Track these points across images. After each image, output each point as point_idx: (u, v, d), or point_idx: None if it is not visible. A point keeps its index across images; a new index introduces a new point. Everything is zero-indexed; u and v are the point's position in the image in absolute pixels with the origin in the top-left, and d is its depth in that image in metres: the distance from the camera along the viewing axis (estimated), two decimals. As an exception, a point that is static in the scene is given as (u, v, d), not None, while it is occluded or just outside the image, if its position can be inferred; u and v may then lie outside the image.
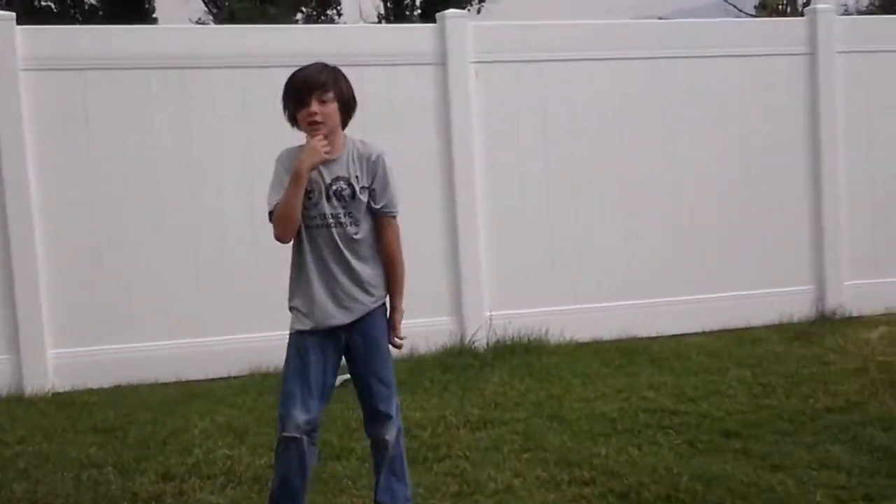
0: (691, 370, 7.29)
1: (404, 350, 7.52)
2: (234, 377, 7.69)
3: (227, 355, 7.75)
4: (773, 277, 8.97)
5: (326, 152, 4.18)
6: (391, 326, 4.41)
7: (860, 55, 9.13)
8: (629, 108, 8.70)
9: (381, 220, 4.37)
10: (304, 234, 4.31)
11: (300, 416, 4.28)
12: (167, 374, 7.65)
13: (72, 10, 29.88)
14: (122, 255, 7.74)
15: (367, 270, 4.35)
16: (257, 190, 6.98)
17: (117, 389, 7.46)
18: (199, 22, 29.98)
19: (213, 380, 7.63)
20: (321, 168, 4.27)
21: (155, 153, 7.79)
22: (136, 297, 7.75)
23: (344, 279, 4.31)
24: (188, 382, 7.59)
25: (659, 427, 5.89)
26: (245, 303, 7.88)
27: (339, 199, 4.28)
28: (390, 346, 4.44)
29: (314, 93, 4.21)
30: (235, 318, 7.90)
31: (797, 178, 9.09)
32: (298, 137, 4.29)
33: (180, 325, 7.81)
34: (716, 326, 8.69)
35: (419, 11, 30.61)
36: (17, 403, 7.17)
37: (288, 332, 4.38)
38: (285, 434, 4.30)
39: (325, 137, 4.26)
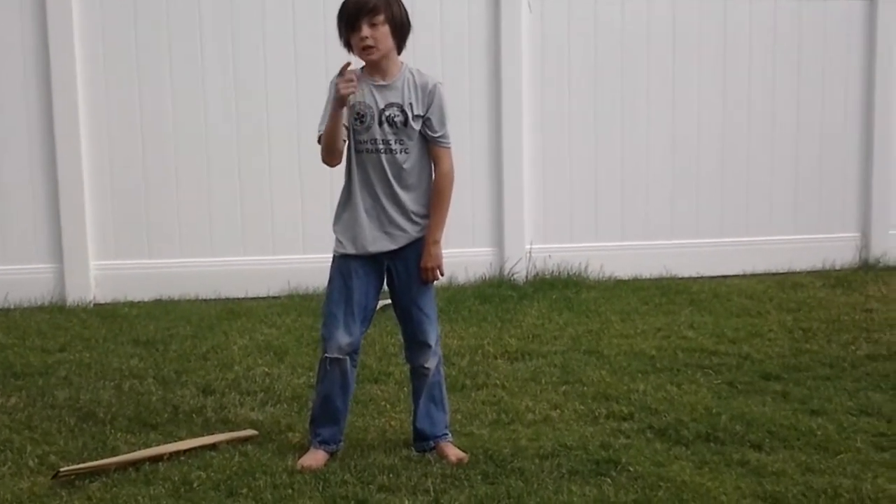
0: (732, 312, 7.24)
1: (443, 279, 7.64)
2: (274, 297, 7.74)
3: (267, 275, 7.79)
4: (817, 223, 8.89)
5: (350, 92, 4.11)
6: (422, 255, 4.36)
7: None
8: (683, 44, 8.55)
9: (436, 150, 4.34)
10: (353, 159, 4.31)
11: (342, 338, 4.31)
12: (207, 291, 7.71)
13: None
14: (167, 170, 7.77)
15: (414, 199, 4.34)
16: (303, 112, 7.00)
17: (158, 303, 7.53)
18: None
19: (252, 298, 7.68)
20: (374, 93, 4.25)
21: (203, 71, 7.76)
22: (178, 213, 7.80)
23: (390, 206, 4.30)
24: (228, 300, 7.64)
25: (698, 366, 5.86)
26: (287, 224, 7.91)
27: (390, 125, 4.25)
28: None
29: (365, 17, 4.17)
30: (277, 238, 7.93)
31: (848, 124, 8.93)
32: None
33: (222, 242, 7.84)
34: (757, 269, 8.64)
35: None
36: (59, 312, 7.25)
37: (330, 255, 4.39)
38: (328, 355, 4.34)
39: (379, 62, 4.24)
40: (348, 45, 4.28)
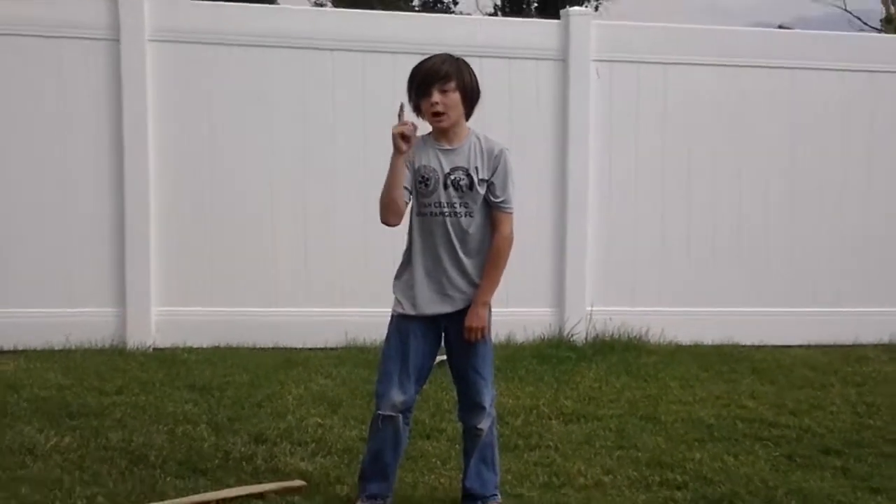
0: (794, 383, 7.10)
1: (501, 337, 7.62)
2: (331, 348, 7.74)
3: (326, 326, 7.80)
4: (885, 295, 8.69)
5: (407, 132, 4.11)
6: (468, 313, 4.31)
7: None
8: (747, 114, 8.49)
9: (497, 215, 4.34)
10: (416, 221, 4.33)
11: (396, 397, 4.31)
12: (265, 340, 7.74)
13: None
14: (235, 224, 7.85)
15: (475, 263, 4.34)
16: (370, 169, 7.08)
17: (216, 350, 7.57)
18: (317, 4, 30.20)
19: (310, 349, 7.69)
20: (440, 157, 4.27)
21: (272, 131, 7.87)
22: (243, 264, 7.86)
23: (451, 269, 4.30)
24: (286, 349, 7.66)
25: (757, 438, 5.74)
26: (348, 277, 7.93)
27: (456, 189, 4.27)
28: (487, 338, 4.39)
29: (437, 83, 4.21)
30: (337, 290, 7.95)
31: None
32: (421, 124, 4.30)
33: (283, 292, 7.90)
34: (822, 341, 8.45)
35: (535, 5, 30.40)
36: (119, 356, 7.32)
37: (389, 310, 4.39)
38: (381, 412, 4.33)
39: (448, 129, 4.27)
40: (417, 110, 4.31)
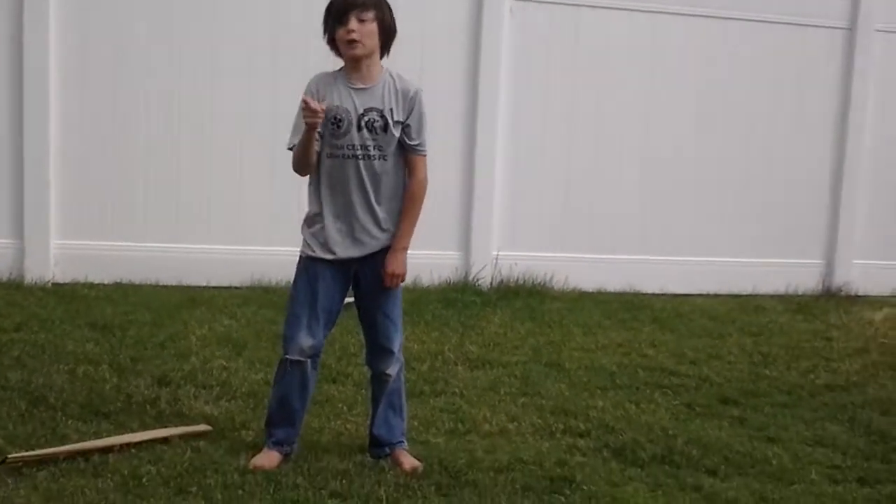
0: (693, 332, 7.26)
1: (407, 280, 7.56)
2: (236, 287, 7.65)
3: (231, 265, 7.70)
4: (783, 248, 8.91)
5: (315, 121, 4.02)
6: (387, 259, 4.29)
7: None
8: (660, 64, 8.56)
9: (412, 158, 4.30)
10: (326, 161, 4.24)
11: (305, 341, 4.26)
12: (169, 277, 7.62)
13: None
14: (136, 154, 7.67)
15: (387, 207, 4.29)
16: (279, 106, 6.94)
17: (118, 286, 7.43)
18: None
19: (214, 288, 7.59)
20: (353, 97, 4.19)
21: (177, 60, 7.67)
22: (145, 197, 7.70)
23: (362, 213, 4.25)
24: (189, 287, 7.55)
25: (657, 386, 5.86)
26: (254, 215, 7.83)
27: (370, 131, 4.19)
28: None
29: (355, 10, 4.12)
30: (243, 228, 7.85)
31: (821, 153, 8.97)
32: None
33: (187, 229, 7.76)
34: (721, 290, 8.64)
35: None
36: (17, 290, 7.14)
37: (297, 251, 4.35)
38: (288, 356, 4.29)
39: (361, 63, 4.18)
40: (332, 42, 4.22)
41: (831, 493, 4.41)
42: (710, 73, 8.65)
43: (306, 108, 4.00)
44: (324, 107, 4.04)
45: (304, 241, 4.33)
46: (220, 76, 7.75)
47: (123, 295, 7.18)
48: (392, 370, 4.43)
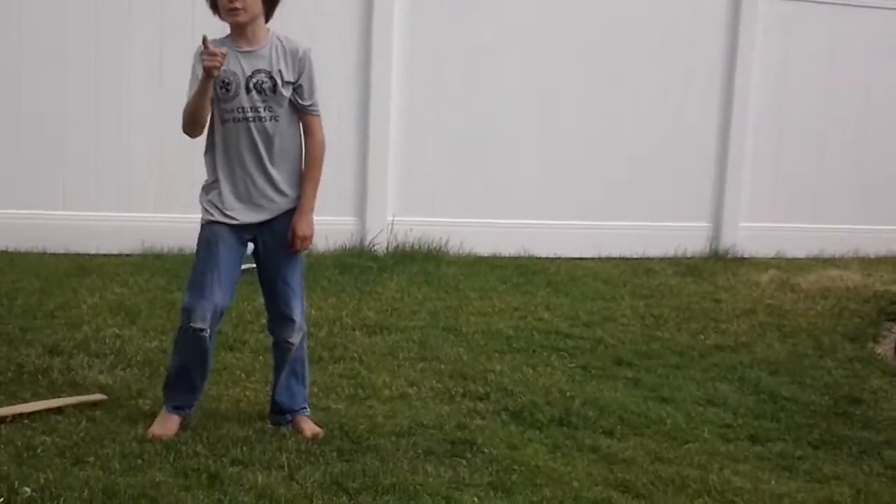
0: (587, 295, 7.36)
1: (303, 246, 7.54)
2: (126, 255, 7.50)
3: (120, 232, 7.54)
4: (671, 212, 9.08)
5: (215, 65, 3.95)
6: (294, 222, 4.25)
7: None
8: (554, 28, 8.60)
9: (307, 119, 4.27)
10: (219, 127, 4.19)
11: (206, 308, 4.19)
12: (56, 245, 7.43)
13: None
14: (21, 116, 7.44)
15: (283, 170, 4.25)
16: (167, 62, 6.80)
17: (3, 254, 7.22)
18: None
19: (104, 255, 7.42)
20: (241, 60, 4.13)
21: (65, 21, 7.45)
22: (29, 162, 7.48)
23: (258, 176, 4.21)
24: (78, 255, 7.37)
25: (553, 349, 5.94)
26: (143, 181, 7.67)
27: (259, 93, 4.14)
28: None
29: None
30: (132, 195, 7.68)
31: (707, 118, 9.14)
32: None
33: (74, 195, 7.56)
34: (612, 254, 8.78)
35: None
36: None
37: (188, 217, 4.30)
38: (191, 325, 4.20)
39: (246, 28, 4.13)
40: (214, 7, 4.14)
41: (724, 452, 4.55)
42: (594, 42, 8.71)
43: (205, 53, 3.94)
44: (224, 51, 3.98)
45: (203, 207, 4.26)
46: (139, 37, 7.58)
47: (9, 262, 6.98)
48: (294, 339, 4.40)
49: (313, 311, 6.21)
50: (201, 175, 4.32)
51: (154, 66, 7.50)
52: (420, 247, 8.24)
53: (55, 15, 7.42)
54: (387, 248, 8.19)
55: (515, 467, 4.14)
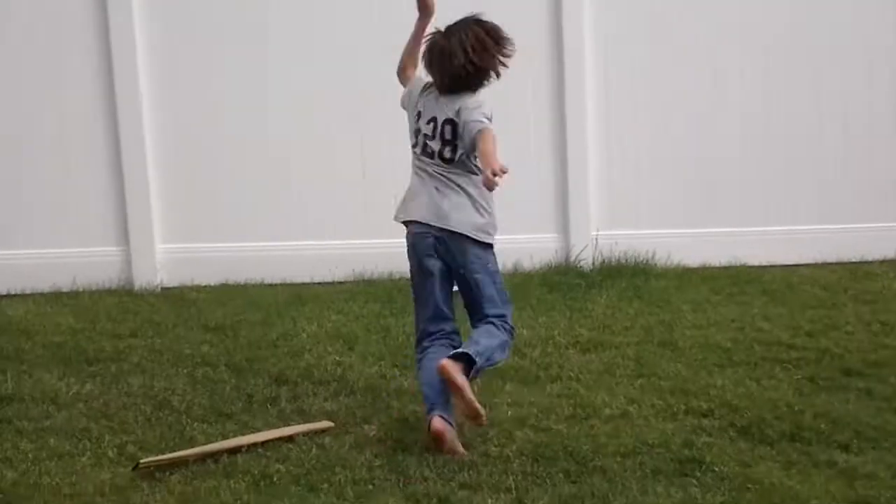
0: (806, 303, 7.06)
1: (508, 265, 7.54)
2: (339, 282, 7.67)
3: (332, 260, 7.72)
4: (891, 210, 8.63)
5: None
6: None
7: None
8: (776, 35, 8.30)
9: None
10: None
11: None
12: (273, 276, 7.67)
13: None
14: (235, 155, 7.74)
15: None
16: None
17: (224, 287, 7.50)
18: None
19: (318, 283, 7.62)
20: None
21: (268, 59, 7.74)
22: (245, 197, 7.77)
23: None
24: (294, 285, 7.58)
25: (776, 360, 5.72)
26: (350, 209, 7.84)
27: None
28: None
29: None
30: (340, 223, 7.86)
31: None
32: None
33: (288, 227, 7.82)
34: (828, 259, 8.41)
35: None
36: (128, 296, 7.27)
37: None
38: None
39: None
40: None
41: (974, 463, 4.29)
42: (793, 44, 8.40)
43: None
44: None
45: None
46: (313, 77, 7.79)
47: (231, 295, 7.25)
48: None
49: (525, 331, 6.19)
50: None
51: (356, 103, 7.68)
52: (627, 261, 8.09)
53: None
54: (593, 264, 8.09)
55: (749, 486, 4.02)
